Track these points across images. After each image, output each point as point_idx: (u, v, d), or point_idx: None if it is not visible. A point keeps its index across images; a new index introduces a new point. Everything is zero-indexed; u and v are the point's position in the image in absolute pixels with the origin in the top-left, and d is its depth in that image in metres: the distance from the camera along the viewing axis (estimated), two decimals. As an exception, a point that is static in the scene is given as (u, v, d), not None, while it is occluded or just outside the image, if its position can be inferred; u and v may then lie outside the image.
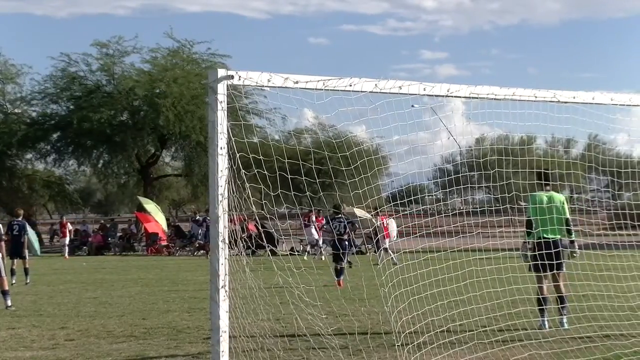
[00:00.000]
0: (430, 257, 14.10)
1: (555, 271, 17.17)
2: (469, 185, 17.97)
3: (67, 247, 59.86)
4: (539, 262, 17.03)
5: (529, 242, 17.52)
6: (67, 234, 60.72)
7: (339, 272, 27.06)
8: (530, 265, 17.42)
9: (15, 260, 32.17)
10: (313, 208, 42.16)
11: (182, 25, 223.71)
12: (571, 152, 23.21)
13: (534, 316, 16.13)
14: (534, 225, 17.42)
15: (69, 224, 61.46)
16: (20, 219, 32.90)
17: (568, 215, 17.74)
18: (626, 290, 17.13)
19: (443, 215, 15.75)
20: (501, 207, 23.37)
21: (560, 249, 17.24)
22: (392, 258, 26.19)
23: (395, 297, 12.39)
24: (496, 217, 23.61)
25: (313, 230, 42.56)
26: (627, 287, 17.11)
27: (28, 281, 32.61)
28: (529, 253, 17.42)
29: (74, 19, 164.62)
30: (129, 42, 78.51)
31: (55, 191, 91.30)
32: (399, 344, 12.01)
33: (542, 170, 17.85)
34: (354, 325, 14.35)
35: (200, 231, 61.16)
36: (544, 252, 16.82)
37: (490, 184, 16.51)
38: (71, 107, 78.96)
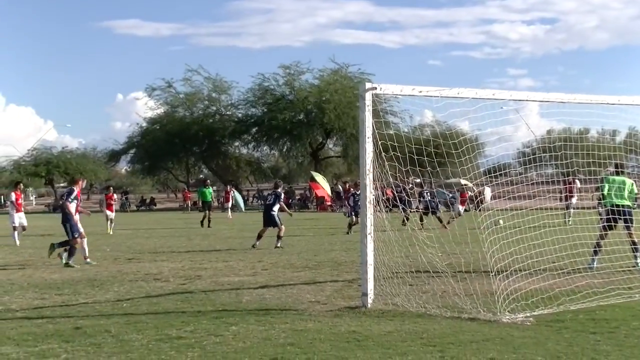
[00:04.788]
0: (515, 213, 13.93)
1: (627, 224, 16.86)
2: (542, 163, 17.68)
3: (229, 210, 52.32)
4: (607, 221, 16.84)
5: (603, 207, 17.34)
6: (230, 200, 53.59)
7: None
8: (603, 222, 17.16)
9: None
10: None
11: (340, 53, 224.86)
12: (616, 139, 22.59)
13: (588, 255, 15.78)
14: (608, 195, 17.08)
15: (233, 190, 56.47)
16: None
17: (636, 191, 17.51)
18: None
19: (523, 184, 15.45)
20: (565, 179, 22.76)
21: (630, 210, 16.95)
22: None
23: (490, 241, 12.26)
24: (561, 186, 22.85)
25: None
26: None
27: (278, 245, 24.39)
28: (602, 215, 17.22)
29: (266, 49, 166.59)
30: (304, 65, 79.96)
31: (254, 168, 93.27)
32: (493, 274, 11.90)
33: (618, 162, 17.90)
34: (460, 261, 14.23)
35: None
36: (616, 213, 16.66)
37: (557, 162, 16.18)
38: (264, 110, 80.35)
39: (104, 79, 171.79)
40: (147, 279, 16.43)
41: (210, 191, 42.79)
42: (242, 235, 31.06)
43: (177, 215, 62.87)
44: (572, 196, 28.76)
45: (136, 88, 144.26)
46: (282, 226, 24.59)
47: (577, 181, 27.82)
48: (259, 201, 79.80)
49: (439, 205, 32.81)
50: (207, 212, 40.09)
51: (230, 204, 52.78)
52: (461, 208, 28.71)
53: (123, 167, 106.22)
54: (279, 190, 25.62)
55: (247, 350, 8.93)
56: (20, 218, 28.13)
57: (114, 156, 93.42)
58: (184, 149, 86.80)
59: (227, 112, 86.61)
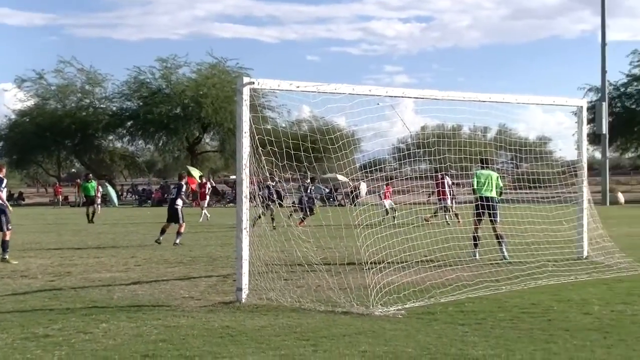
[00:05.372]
0: (389, 208, 14.17)
1: (492, 218, 17.40)
2: (416, 158, 18.02)
3: (99, 206, 45.17)
4: (478, 212, 17.42)
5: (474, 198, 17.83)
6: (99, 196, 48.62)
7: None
8: (473, 213, 17.74)
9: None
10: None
11: (218, 47, 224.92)
12: (487, 136, 23.30)
13: (459, 249, 16.19)
14: (477, 187, 17.66)
15: (105, 185, 54.43)
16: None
17: (502, 184, 18.03)
18: (523, 231, 17.19)
19: (398, 179, 15.75)
20: (439, 174, 23.30)
21: (495, 204, 17.49)
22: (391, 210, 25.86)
23: (364, 236, 12.44)
24: (434, 181, 23.32)
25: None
26: (524, 229, 17.18)
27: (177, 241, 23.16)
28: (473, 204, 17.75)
29: (143, 41, 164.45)
30: (181, 59, 79.59)
31: (129, 162, 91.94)
32: (367, 268, 12.06)
33: (484, 158, 18.30)
34: (335, 255, 14.39)
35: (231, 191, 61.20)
36: (483, 204, 17.25)
37: (431, 157, 16.55)
38: (140, 103, 79.48)
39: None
40: (13, 276, 15.96)
41: (93, 185, 41.62)
42: (114, 231, 30.59)
43: (48, 210, 61.34)
44: (444, 194, 28.84)
45: (5, 79, 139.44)
46: (184, 223, 23.76)
47: (447, 177, 27.84)
48: (133, 196, 78.83)
49: (315, 201, 33.12)
50: (90, 207, 39.08)
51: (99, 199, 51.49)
52: (387, 202, 28.42)
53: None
54: (182, 182, 24.77)
55: (118, 348, 8.79)
56: None
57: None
58: (55, 143, 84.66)
59: (102, 105, 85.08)
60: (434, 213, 26.49)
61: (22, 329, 9.99)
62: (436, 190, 27.67)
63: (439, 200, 28.46)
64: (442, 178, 27.23)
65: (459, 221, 23.77)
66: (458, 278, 13.45)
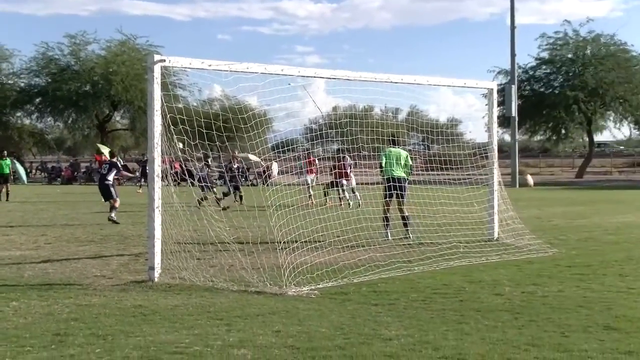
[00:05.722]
0: (302, 188, 14.20)
1: (399, 199, 17.43)
2: (328, 139, 18.13)
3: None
4: (388, 192, 17.36)
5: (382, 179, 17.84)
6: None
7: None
8: (383, 193, 17.70)
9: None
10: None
11: (128, 24, 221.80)
12: (398, 117, 23.58)
13: (372, 230, 16.29)
14: (385, 167, 17.60)
15: (13, 162, 52.98)
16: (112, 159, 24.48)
17: (411, 163, 18.05)
18: (434, 212, 17.41)
19: (311, 160, 15.79)
20: (350, 155, 23.41)
21: (404, 184, 17.52)
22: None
23: (277, 215, 12.44)
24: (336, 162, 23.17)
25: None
26: (436, 210, 17.40)
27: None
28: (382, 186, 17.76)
29: (51, 17, 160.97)
30: (91, 35, 78.02)
31: (38, 139, 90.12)
32: (280, 248, 12.07)
33: (393, 138, 18.33)
34: (248, 235, 14.35)
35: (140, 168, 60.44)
36: (392, 184, 17.22)
37: (343, 138, 16.65)
38: (49, 80, 77.70)
39: None
40: None
41: (7, 163, 40.30)
42: (24, 209, 29.93)
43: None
44: (346, 175, 28.35)
45: None
46: (118, 199, 23.33)
47: (347, 158, 27.23)
48: (43, 173, 77.50)
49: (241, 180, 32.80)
50: (3, 185, 37.92)
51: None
52: (309, 178, 27.51)
53: None
54: (115, 159, 24.30)
55: (29, 327, 8.62)
56: None
57: None
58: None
59: (9, 82, 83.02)
60: (339, 196, 26.50)
61: None
62: (337, 171, 27.53)
63: (341, 181, 28.49)
64: (343, 159, 27.14)
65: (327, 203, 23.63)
66: (371, 258, 13.55)
